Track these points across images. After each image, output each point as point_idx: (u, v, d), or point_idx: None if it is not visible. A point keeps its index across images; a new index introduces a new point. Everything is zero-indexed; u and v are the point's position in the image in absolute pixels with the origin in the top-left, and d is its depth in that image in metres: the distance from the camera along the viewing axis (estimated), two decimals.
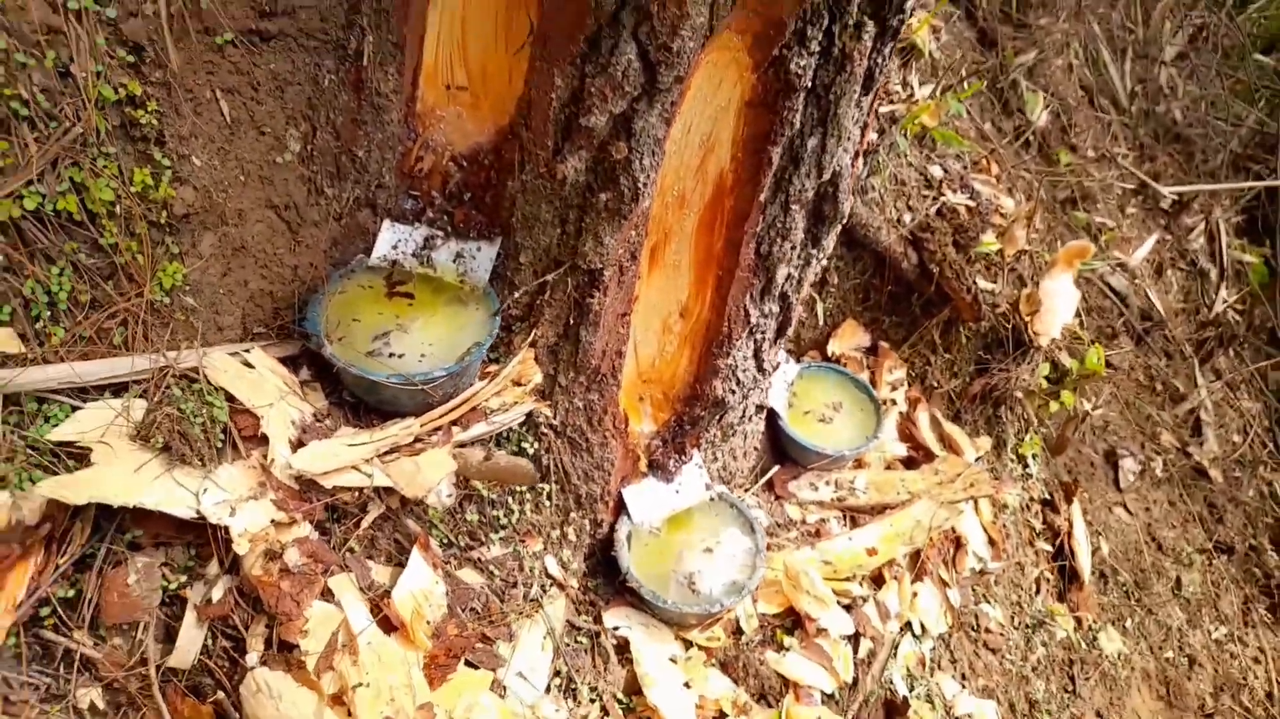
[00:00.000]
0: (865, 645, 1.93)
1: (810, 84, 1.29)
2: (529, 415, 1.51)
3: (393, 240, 1.47)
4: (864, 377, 2.31)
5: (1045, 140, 3.47)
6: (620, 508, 1.74)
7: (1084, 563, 2.68)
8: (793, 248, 1.55)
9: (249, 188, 1.36)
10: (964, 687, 2.19)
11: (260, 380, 1.33)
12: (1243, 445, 3.89)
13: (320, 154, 1.40)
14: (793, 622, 1.84)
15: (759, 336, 1.68)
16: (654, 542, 1.75)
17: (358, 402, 1.43)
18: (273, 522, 1.25)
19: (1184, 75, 4.64)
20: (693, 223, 1.53)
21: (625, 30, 1.18)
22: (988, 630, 2.37)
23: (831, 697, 1.81)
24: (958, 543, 2.28)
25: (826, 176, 1.46)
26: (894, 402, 2.34)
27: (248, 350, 1.36)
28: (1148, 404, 3.50)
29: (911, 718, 1.92)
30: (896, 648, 2.01)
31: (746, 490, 2.07)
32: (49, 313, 1.22)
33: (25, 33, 1.09)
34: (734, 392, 1.71)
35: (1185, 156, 4.50)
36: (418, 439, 1.36)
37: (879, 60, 1.35)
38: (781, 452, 2.15)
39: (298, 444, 1.30)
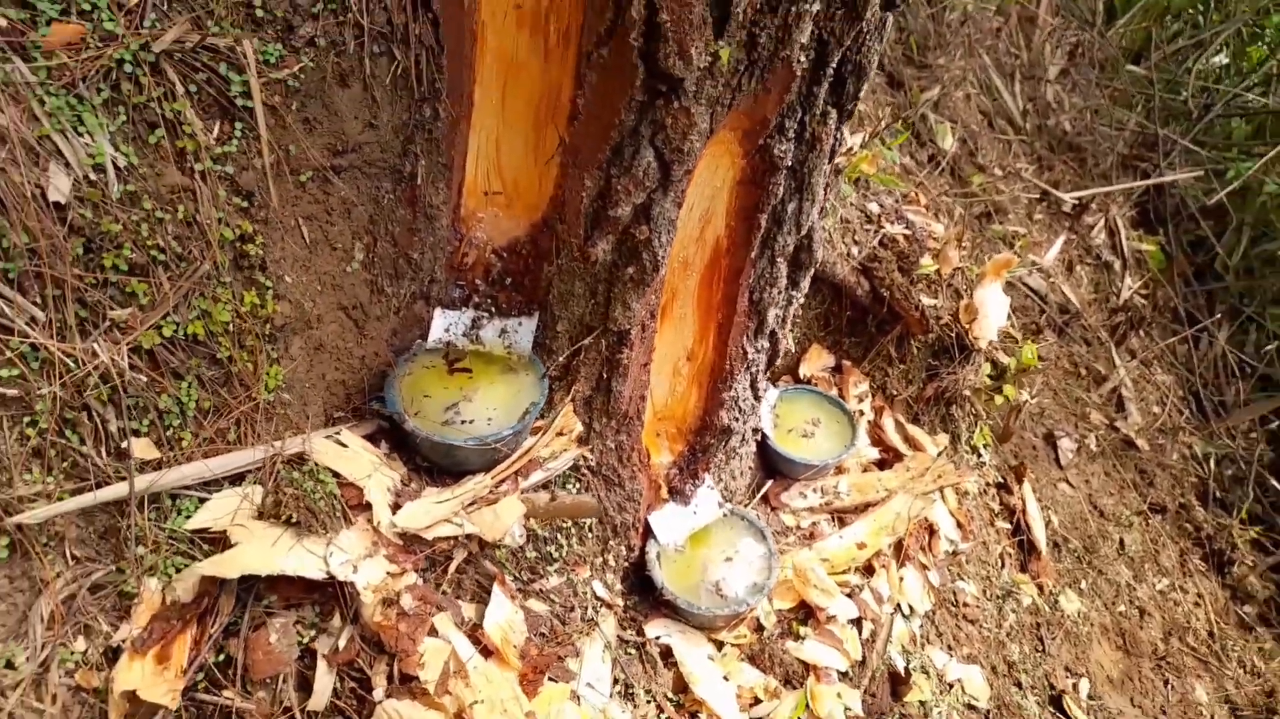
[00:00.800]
0: (867, 627, 2.23)
1: (789, 163, 1.60)
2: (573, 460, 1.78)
3: (445, 324, 1.73)
4: (834, 393, 2.63)
5: (957, 164, 3.88)
6: (648, 532, 2.01)
7: (1039, 535, 3.03)
8: (779, 292, 1.85)
9: (325, 295, 1.61)
10: (951, 656, 2.50)
11: (355, 457, 1.57)
12: (1163, 415, 4.33)
13: (381, 259, 1.66)
14: (805, 614, 2.13)
15: (754, 369, 1.97)
16: (680, 558, 2.02)
17: (431, 465, 1.67)
18: (387, 573, 1.49)
19: (1068, 90, 5.15)
20: (695, 281, 1.83)
21: (644, 139, 1.47)
22: (965, 604, 2.69)
23: (845, 674, 2.10)
24: (931, 530, 2.60)
25: (803, 232, 1.77)
26: (862, 412, 2.66)
27: (338, 433, 1.60)
28: (1076, 388, 3.90)
29: (913, 687, 2.22)
30: (892, 627, 2.31)
31: (746, 504, 2.36)
32: (179, 421, 1.45)
33: (162, 193, 1.33)
34: (737, 419, 2.00)
35: (1079, 162, 4.99)
36: (492, 491, 1.62)
37: (839, 135, 1.67)
38: (771, 467, 2.44)
39: (395, 507, 1.55)
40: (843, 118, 1.63)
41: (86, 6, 1.26)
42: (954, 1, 4.11)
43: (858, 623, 2.20)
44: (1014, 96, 4.50)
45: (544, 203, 1.65)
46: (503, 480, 1.63)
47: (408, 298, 1.71)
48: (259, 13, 1.37)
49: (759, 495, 2.38)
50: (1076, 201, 4.35)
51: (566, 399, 1.75)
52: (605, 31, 1.39)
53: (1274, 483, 4.30)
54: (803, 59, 1.44)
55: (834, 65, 1.49)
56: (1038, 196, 4.36)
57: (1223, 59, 5.29)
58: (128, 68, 1.28)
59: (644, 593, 2.01)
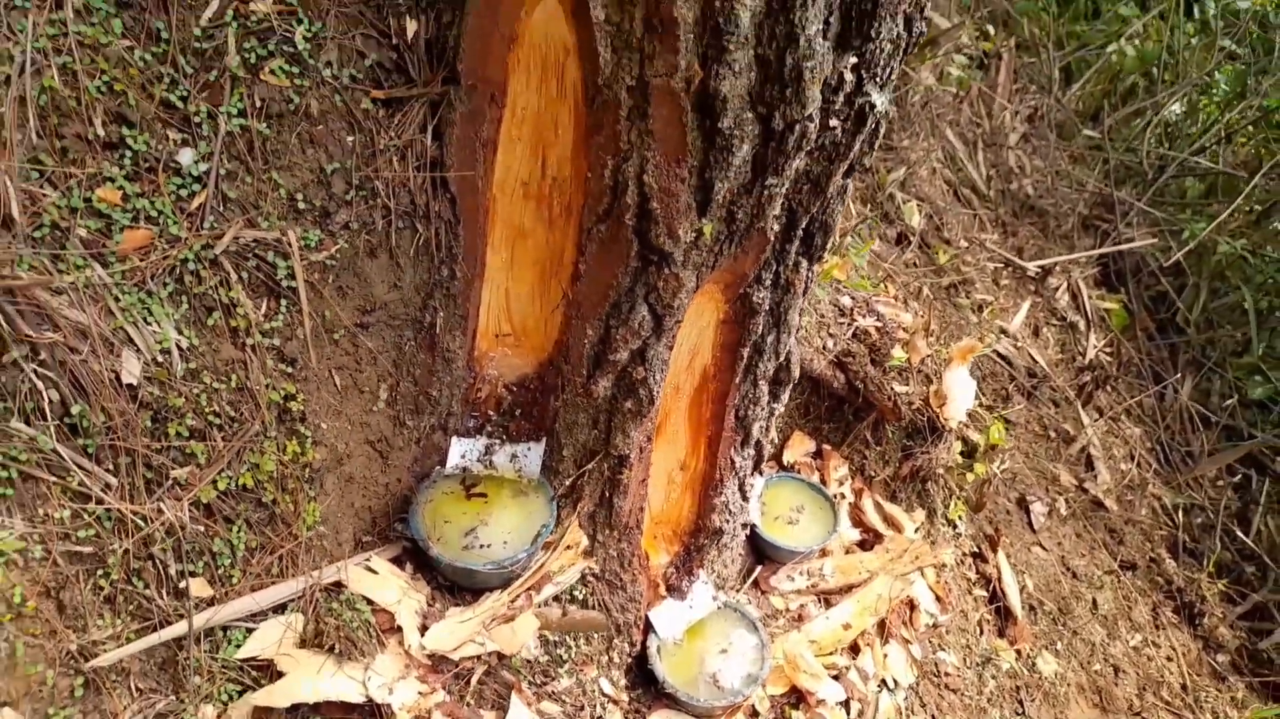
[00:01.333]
0: (855, 707, 2.41)
1: (767, 306, 1.82)
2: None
3: (461, 451, 1.92)
4: (815, 478, 2.84)
5: (925, 240, 4.14)
6: (648, 628, 2.20)
7: (1014, 601, 3.23)
8: (761, 409, 2.06)
9: (354, 434, 1.80)
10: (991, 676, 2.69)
11: (385, 582, 1.76)
12: (1131, 470, 4.56)
13: (403, 398, 1.85)
14: (796, 698, 2.32)
15: (742, 475, 2.18)
16: (679, 651, 2.21)
17: (452, 584, 1.86)
18: (418, 693, 1.67)
19: (1029, 154, 5.45)
20: (685, 403, 2.04)
21: (639, 297, 1.68)
22: (946, 674, 2.88)
23: None
24: (911, 605, 2.80)
25: (781, 358, 1.99)
26: (843, 495, 2.87)
27: (369, 559, 1.79)
28: (1044, 451, 4.13)
29: None
30: (878, 706, 2.49)
31: (737, 591, 2.55)
32: (230, 561, 1.63)
33: (218, 366, 1.53)
34: (728, 520, 2.20)
35: (1041, 226, 5.27)
36: (508, 607, 1.80)
37: (810, 276, 1.89)
38: (760, 553, 2.64)
39: (423, 628, 1.73)
40: (813, 264, 1.85)
41: (154, 213, 1.47)
42: (915, 85, 4.39)
43: (846, 704, 2.38)
44: (976, 165, 4.77)
45: (549, 344, 1.85)
46: (518, 597, 1.82)
47: (427, 429, 1.90)
48: (300, 204, 1.58)
49: (749, 581, 2.57)
50: (1040, 268, 4.61)
51: (572, 516, 1.94)
52: (603, 212, 1.61)
53: (1239, 533, 4.52)
54: (775, 226, 1.67)
55: (803, 227, 1.72)
56: (1003, 264, 4.62)
57: (1176, 111, 5.59)
58: (190, 265, 1.48)
59: (646, 685, 2.19)
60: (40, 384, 1.37)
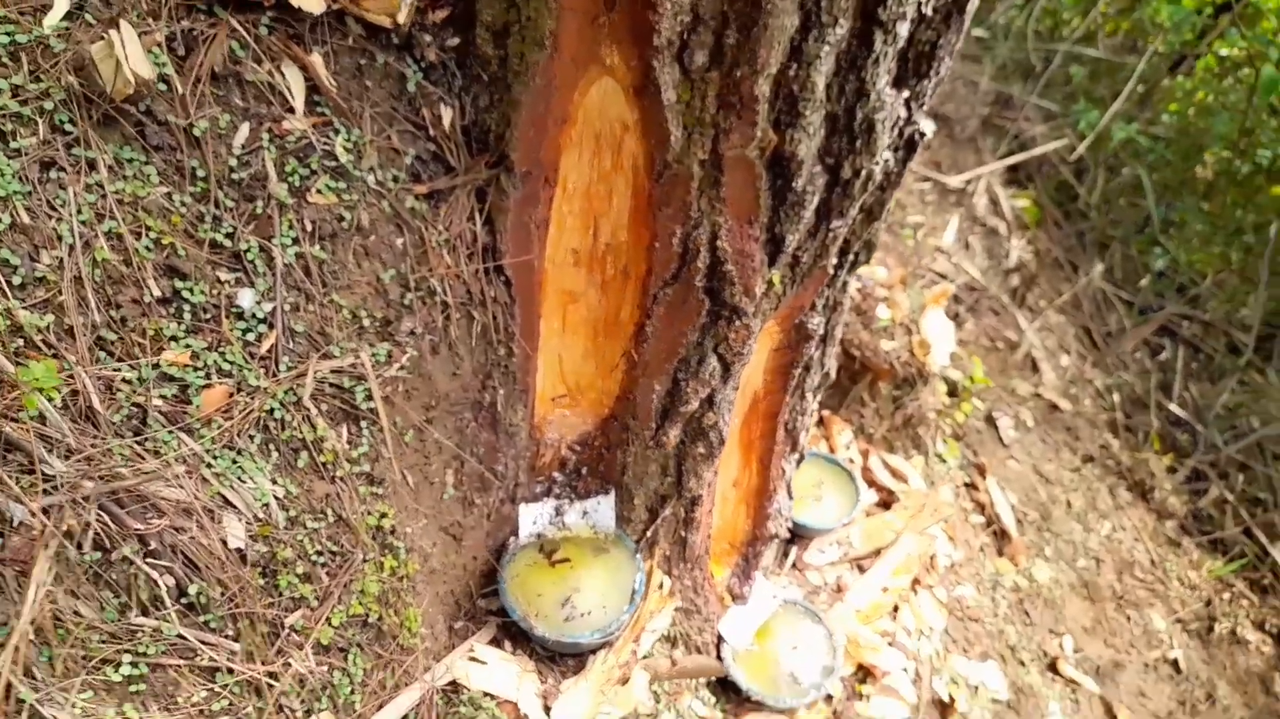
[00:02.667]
0: (911, 667, 2.58)
1: (822, 332, 1.87)
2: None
3: (531, 518, 1.93)
4: (823, 447, 2.95)
5: None
6: (720, 640, 2.29)
7: (1008, 521, 3.47)
8: (808, 418, 2.14)
9: (430, 525, 1.79)
10: (968, 659, 2.90)
11: (496, 670, 1.78)
12: (1068, 364, 4.87)
13: (469, 478, 1.84)
14: (864, 673, 2.46)
15: (789, 480, 2.26)
16: (753, 656, 2.31)
17: (553, 653, 1.89)
18: None
19: None
20: (736, 425, 2.09)
21: (709, 350, 1.71)
22: (967, 607, 3.10)
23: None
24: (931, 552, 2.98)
25: (826, 369, 2.06)
26: (852, 459, 3.00)
27: (472, 650, 1.80)
28: (996, 363, 4.37)
29: (955, 708, 2.60)
30: (931, 664, 2.68)
31: (779, 574, 2.67)
32: (349, 688, 1.62)
33: (314, 505, 1.49)
34: (779, 523, 2.29)
35: (948, 132, 5.45)
36: (619, 667, 1.86)
37: (849, 287, 1.95)
38: (792, 535, 2.75)
39: (546, 708, 1.77)
40: (853, 277, 1.91)
41: (226, 366, 1.40)
42: None
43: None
44: None
45: (609, 400, 1.87)
46: (624, 655, 1.87)
47: (495, 503, 1.90)
48: (364, 321, 1.53)
49: (788, 563, 2.69)
50: (963, 183, 4.79)
51: (652, 562, 1.99)
52: (670, 276, 1.62)
53: (1166, 403, 4.91)
54: (834, 260, 1.71)
55: (853, 253, 1.77)
56: (929, 185, 4.78)
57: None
58: (276, 412, 1.43)
59: (731, 694, 2.29)
60: (154, 573, 1.32)
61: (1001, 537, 3.50)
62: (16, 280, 1.23)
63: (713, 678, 2.25)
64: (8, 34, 1.24)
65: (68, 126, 1.27)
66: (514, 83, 1.46)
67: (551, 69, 1.41)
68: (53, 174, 1.26)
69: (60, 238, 1.25)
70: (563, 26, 1.36)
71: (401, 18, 1.42)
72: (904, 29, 1.37)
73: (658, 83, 1.38)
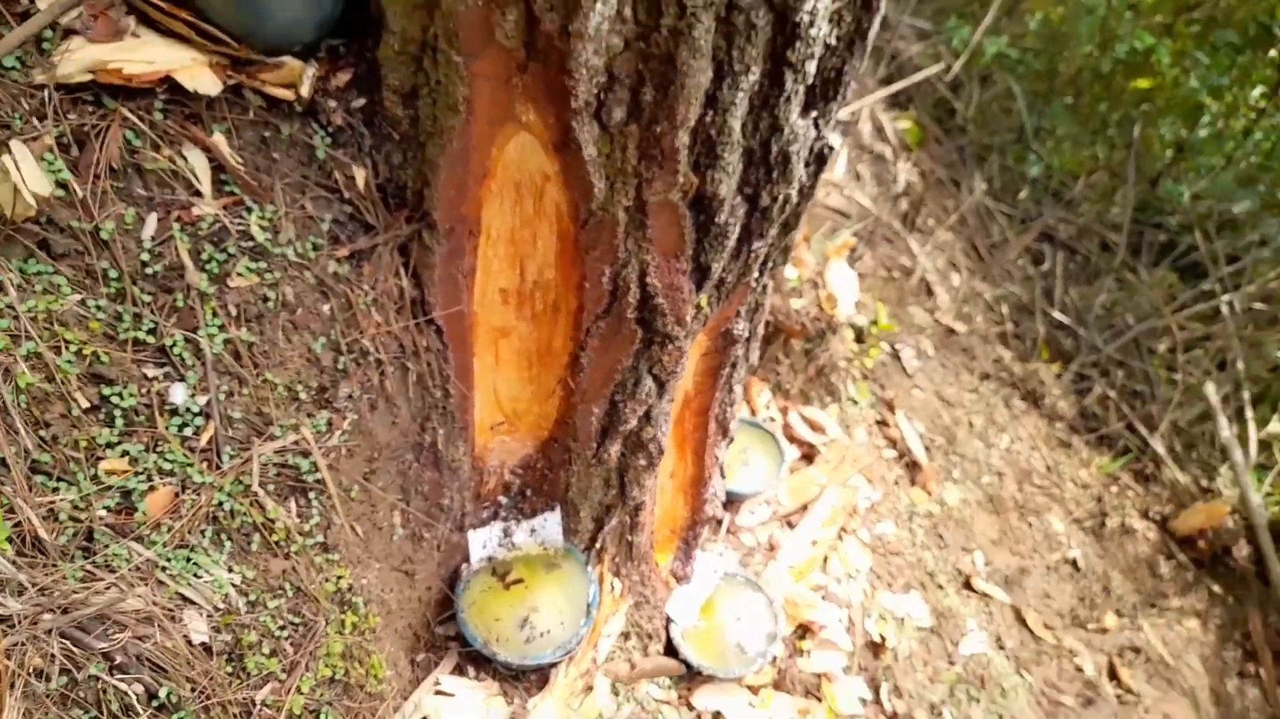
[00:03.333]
0: (844, 614, 2.75)
1: (746, 334, 1.94)
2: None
3: (481, 542, 1.97)
4: (745, 412, 3.06)
5: None
6: (668, 621, 2.40)
7: (918, 451, 3.67)
8: (737, 406, 2.21)
9: (382, 568, 1.82)
10: (893, 593, 3.10)
11: (464, 699, 1.84)
12: (959, 283, 5.08)
13: (415, 518, 1.87)
14: (803, 630, 2.62)
15: (722, 464, 2.35)
16: (701, 632, 2.43)
17: (517, 673, 1.96)
18: None
19: None
20: (671, 422, 2.15)
21: (644, 372, 1.76)
22: (888, 543, 3.29)
23: (847, 668, 2.63)
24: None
25: (752, 359, 2.13)
26: (772, 418, 3.11)
27: (438, 684, 1.86)
28: (894, 293, 4.54)
29: (885, 646, 2.79)
30: (864, 608, 2.86)
31: (715, 541, 2.78)
32: None
33: (271, 584, 1.50)
34: (715, 506, 2.39)
35: None
36: (582, 678, 1.94)
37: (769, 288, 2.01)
38: (724, 503, 2.86)
39: None
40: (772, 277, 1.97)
41: (167, 467, 1.38)
42: None
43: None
44: None
45: (548, 424, 1.90)
46: (585, 666, 1.95)
47: (445, 534, 1.93)
48: (301, 394, 1.52)
49: (724, 530, 2.81)
50: (851, 114, 4.87)
51: (602, 567, 2.06)
52: (603, 311, 1.65)
53: (1051, 311, 5.20)
54: (757, 274, 1.76)
55: (772, 262, 1.82)
56: None
57: None
58: (226, 504, 1.42)
59: (684, 672, 2.41)
60: (123, 684, 1.32)
61: (913, 467, 3.70)
62: None
63: (660, 653, 2.37)
64: None
65: None
66: (429, 144, 1.44)
67: (468, 132, 1.39)
68: None
69: None
70: (476, 91, 1.35)
71: (305, 91, 1.38)
72: (812, 66, 1.41)
73: (578, 140, 1.38)
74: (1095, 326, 5.35)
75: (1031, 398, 4.78)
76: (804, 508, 2.93)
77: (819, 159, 1.66)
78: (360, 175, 1.50)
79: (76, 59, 1.26)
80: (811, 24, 1.33)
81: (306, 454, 1.52)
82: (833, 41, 1.43)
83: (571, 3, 1.22)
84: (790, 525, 2.91)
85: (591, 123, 1.37)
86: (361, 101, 1.47)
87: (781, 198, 1.57)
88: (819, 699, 2.50)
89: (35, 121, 1.27)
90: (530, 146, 1.45)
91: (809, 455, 3.11)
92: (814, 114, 1.55)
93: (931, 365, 4.30)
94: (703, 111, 1.37)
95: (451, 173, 1.44)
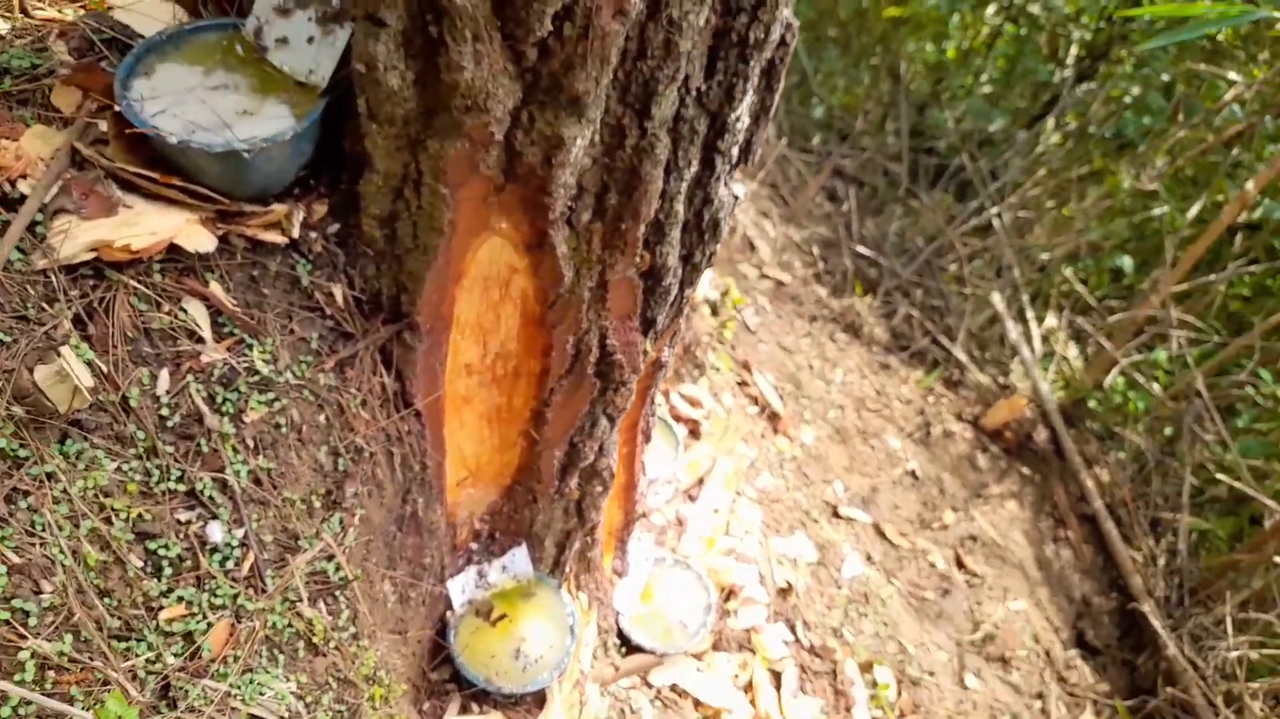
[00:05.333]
0: (754, 569, 3.11)
1: (670, 357, 2.18)
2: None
3: (460, 588, 2.15)
4: None
5: None
6: (617, 614, 2.66)
7: (775, 402, 4.07)
8: (655, 413, 2.47)
9: (380, 631, 1.97)
10: (782, 538, 3.50)
11: None
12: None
13: (401, 581, 2.02)
14: (727, 593, 2.95)
15: (646, 466, 2.61)
16: (645, 616, 2.71)
17: (509, 697, 2.17)
18: None
19: None
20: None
21: (599, 414, 1.98)
22: (769, 492, 3.68)
23: (767, 618, 2.99)
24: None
25: (668, 372, 2.38)
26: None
27: None
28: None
29: (791, 588, 3.18)
30: (770, 564, 3.22)
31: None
32: None
33: (321, 683, 1.63)
34: (642, 503, 2.65)
35: None
36: (576, 691, 2.17)
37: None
38: None
39: None
40: None
41: (220, 602, 1.48)
42: None
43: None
44: None
45: (510, 471, 2.09)
46: (576, 679, 2.19)
47: (428, 589, 2.09)
48: (315, 503, 1.64)
49: (637, 519, 3.07)
50: None
51: (570, 585, 2.29)
52: (566, 371, 1.85)
53: (853, 245, 5.72)
54: (685, 312, 2.01)
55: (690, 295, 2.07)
56: None
57: None
58: (277, 623, 1.54)
59: (636, 652, 2.69)
60: None
61: (774, 418, 4.10)
62: (32, 622, 1.24)
63: (619, 647, 2.63)
64: None
65: (21, 453, 1.25)
66: (409, 259, 1.57)
67: (450, 248, 1.54)
68: (22, 504, 1.25)
69: (54, 560, 1.26)
70: (459, 213, 1.50)
71: (294, 232, 1.47)
72: (735, 149, 1.65)
73: (551, 243, 1.56)
74: (892, 253, 5.94)
75: (852, 329, 5.30)
76: (700, 481, 3.24)
77: (731, 203, 1.91)
78: (338, 291, 1.61)
79: (77, 240, 1.31)
80: (738, 120, 1.57)
81: (331, 557, 1.65)
82: (746, 120, 1.67)
83: (554, 140, 1.39)
84: (691, 499, 3.22)
85: (563, 227, 1.55)
86: (336, 227, 1.57)
87: (711, 253, 1.81)
88: (752, 652, 2.85)
89: (45, 306, 1.31)
90: (501, 248, 1.61)
91: (694, 431, 3.42)
92: (731, 179, 1.79)
93: (769, 319, 4.71)
94: (657, 204, 1.58)
95: (435, 282, 1.58)
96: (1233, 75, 5.62)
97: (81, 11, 1.58)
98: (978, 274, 5.98)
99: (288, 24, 1.39)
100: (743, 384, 4.07)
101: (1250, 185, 4.19)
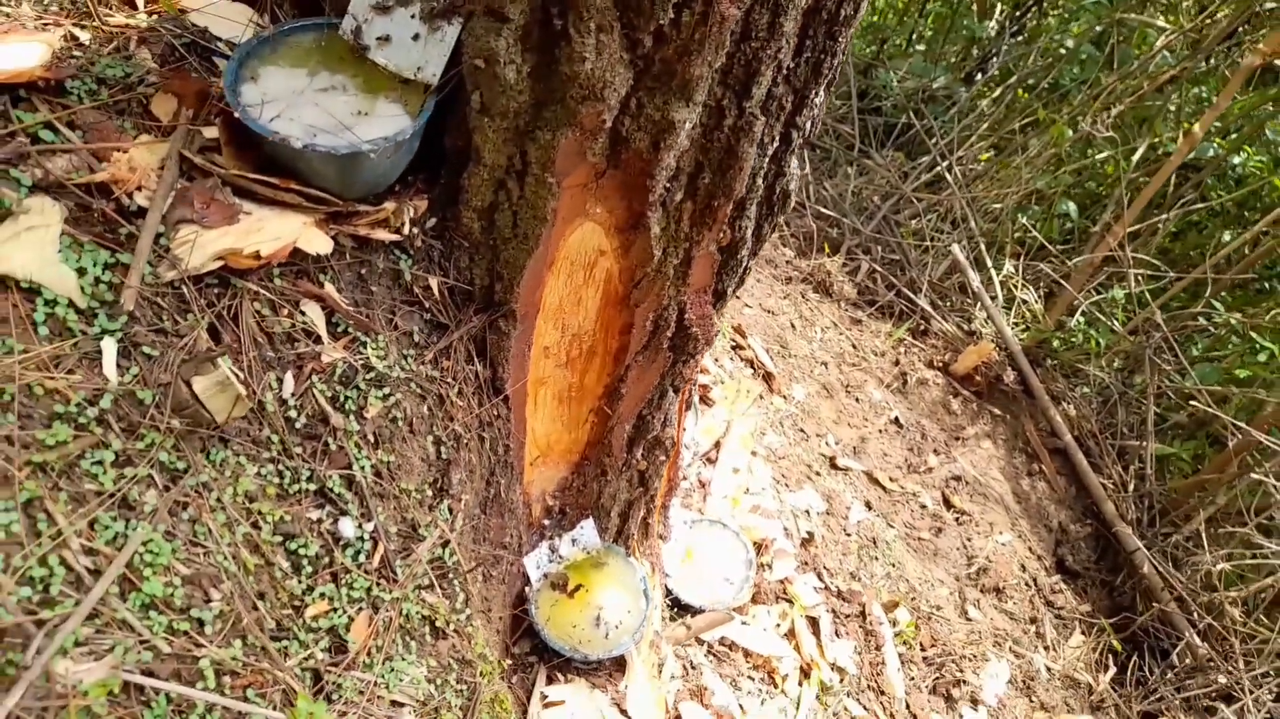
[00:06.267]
0: (780, 525, 3.19)
1: None
2: None
3: (535, 564, 2.17)
4: None
5: None
6: (665, 575, 2.71)
7: (767, 362, 4.14)
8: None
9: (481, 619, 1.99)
10: (792, 492, 3.59)
11: (573, 705, 2.07)
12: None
13: (486, 558, 2.04)
14: (758, 547, 3.02)
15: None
16: (689, 575, 2.76)
17: (589, 664, 2.20)
18: None
19: None
20: None
21: (668, 386, 2.01)
22: (775, 450, 3.76)
23: (797, 568, 3.07)
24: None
25: None
26: None
27: (545, 698, 2.07)
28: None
29: (813, 537, 3.27)
30: (794, 517, 3.30)
31: None
32: None
33: (442, 663, 1.65)
34: (682, 470, 2.70)
35: None
36: (653, 652, 2.22)
37: None
38: None
39: (622, 711, 2.10)
40: None
41: (357, 595, 1.48)
42: None
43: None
44: None
45: (579, 448, 2.11)
46: (653, 640, 2.23)
47: (507, 568, 2.11)
48: (428, 491, 1.64)
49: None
50: None
51: (634, 552, 2.32)
52: (642, 347, 1.87)
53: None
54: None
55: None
56: None
57: None
58: (407, 608, 1.54)
59: (687, 612, 2.74)
60: None
61: (769, 378, 4.18)
62: (207, 630, 1.23)
63: (671, 606, 2.69)
64: (79, 403, 1.17)
65: (179, 465, 1.24)
66: (508, 249, 1.57)
67: (550, 235, 1.55)
68: (184, 516, 1.24)
69: (220, 568, 1.26)
70: (562, 201, 1.50)
71: (406, 229, 1.47)
72: (809, 124, 1.68)
73: (646, 224, 1.58)
74: (852, 212, 6.03)
75: (823, 288, 5.39)
76: (716, 444, 3.29)
77: (798, 181, 1.95)
78: (434, 284, 1.61)
79: (206, 249, 1.29)
80: (817, 94, 1.60)
81: (445, 543, 1.66)
82: (823, 96, 1.70)
83: (664, 124, 1.41)
84: (711, 462, 3.27)
85: (659, 208, 1.57)
86: (433, 221, 1.57)
87: (776, 223, 1.85)
88: (789, 601, 2.93)
89: (179, 318, 1.29)
90: (592, 232, 1.62)
91: (704, 397, 3.47)
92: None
93: (750, 283, 4.77)
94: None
95: (532, 269, 1.59)
96: (1160, 23, 5.80)
97: (154, 17, 1.53)
98: (934, 228, 6.11)
99: (389, 22, 1.38)
100: (737, 348, 4.13)
101: (1196, 128, 4.36)
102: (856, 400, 4.72)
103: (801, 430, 4.16)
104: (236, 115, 1.29)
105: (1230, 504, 4.17)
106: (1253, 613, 3.72)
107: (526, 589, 2.17)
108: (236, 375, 1.30)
